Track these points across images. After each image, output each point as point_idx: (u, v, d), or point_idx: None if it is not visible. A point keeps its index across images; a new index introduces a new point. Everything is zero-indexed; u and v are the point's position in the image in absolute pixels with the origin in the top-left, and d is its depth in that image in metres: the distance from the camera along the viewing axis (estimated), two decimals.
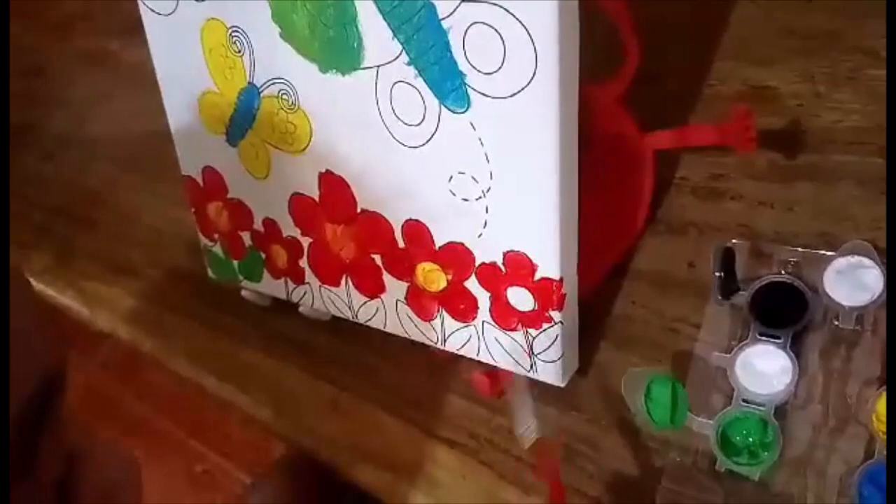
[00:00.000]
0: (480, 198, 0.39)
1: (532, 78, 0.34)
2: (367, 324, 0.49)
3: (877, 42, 0.46)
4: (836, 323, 0.38)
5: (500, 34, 0.33)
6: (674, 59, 0.51)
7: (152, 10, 0.47)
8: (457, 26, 0.35)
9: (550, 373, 0.42)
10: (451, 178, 0.39)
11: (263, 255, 0.52)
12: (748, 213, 0.45)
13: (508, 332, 0.42)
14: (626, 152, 0.46)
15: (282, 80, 0.43)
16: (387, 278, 0.45)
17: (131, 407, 1.29)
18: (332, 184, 0.44)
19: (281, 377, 0.55)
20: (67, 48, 0.91)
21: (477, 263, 0.41)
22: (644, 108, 0.46)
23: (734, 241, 0.42)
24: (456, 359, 0.46)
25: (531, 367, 0.42)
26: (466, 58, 0.35)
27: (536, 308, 0.40)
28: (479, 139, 0.37)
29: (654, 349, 0.44)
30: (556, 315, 0.39)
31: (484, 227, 0.40)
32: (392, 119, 0.39)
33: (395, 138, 0.40)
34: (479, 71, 0.35)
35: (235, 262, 0.54)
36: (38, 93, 0.91)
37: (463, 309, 0.43)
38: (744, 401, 0.39)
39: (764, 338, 0.39)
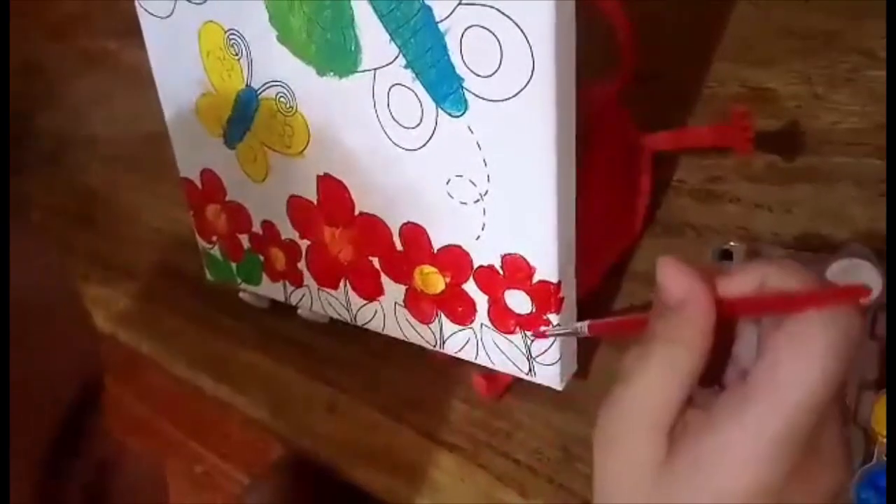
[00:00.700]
0: (478, 201, 0.39)
1: (529, 80, 0.34)
2: (366, 326, 0.49)
3: (875, 43, 0.46)
4: None
5: (496, 37, 0.33)
6: (671, 61, 0.51)
7: (150, 13, 0.47)
8: (454, 29, 0.34)
9: (549, 376, 0.42)
10: (449, 181, 0.39)
11: (262, 258, 0.52)
12: (746, 215, 0.45)
13: (506, 335, 0.42)
14: (623, 154, 0.46)
15: (279, 83, 0.43)
16: (385, 281, 0.45)
17: (130, 408, 1.29)
18: (330, 186, 0.44)
19: (279, 379, 0.55)
20: (66, 48, 0.91)
21: (475, 266, 0.41)
22: (642, 109, 0.46)
23: (732, 242, 0.42)
24: (454, 361, 0.46)
25: (529, 369, 0.42)
26: (463, 61, 0.35)
27: (534, 311, 0.40)
28: (477, 142, 0.37)
29: None
30: (554, 318, 0.39)
31: (482, 229, 0.40)
32: (389, 122, 0.39)
33: (392, 141, 0.40)
34: (476, 74, 0.35)
35: (234, 265, 0.54)
36: (37, 93, 0.91)
37: (461, 312, 0.43)
38: None
39: None
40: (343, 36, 0.38)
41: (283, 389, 0.55)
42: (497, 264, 0.40)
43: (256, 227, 0.51)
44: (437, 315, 0.44)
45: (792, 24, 0.50)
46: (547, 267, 0.38)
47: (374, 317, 0.48)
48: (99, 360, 0.26)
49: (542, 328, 0.40)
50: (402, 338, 0.47)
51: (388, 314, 0.47)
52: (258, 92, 0.45)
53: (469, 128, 0.37)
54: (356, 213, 0.44)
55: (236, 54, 0.44)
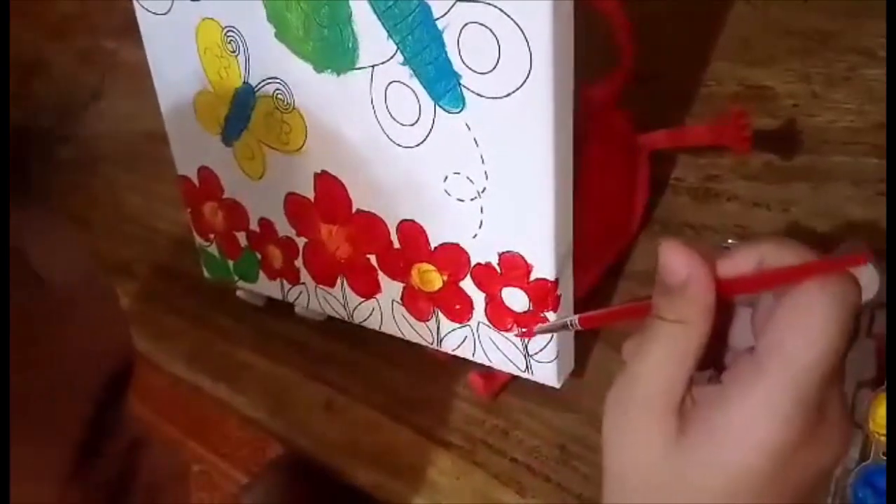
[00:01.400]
0: (475, 198, 0.39)
1: (527, 78, 0.34)
2: (363, 324, 0.49)
3: (872, 42, 0.46)
4: None
5: (494, 34, 0.33)
6: (669, 59, 0.51)
7: (147, 10, 0.47)
8: (451, 26, 0.34)
9: (546, 374, 0.42)
10: (447, 178, 0.39)
11: (259, 256, 0.52)
12: (744, 214, 0.45)
13: (504, 333, 0.42)
14: (621, 153, 0.46)
15: (277, 80, 0.43)
16: (382, 279, 0.45)
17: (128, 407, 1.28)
18: (328, 184, 0.44)
19: (276, 377, 0.55)
20: (64, 47, 0.91)
21: (472, 264, 0.41)
22: (640, 108, 0.46)
23: (730, 241, 0.42)
24: (452, 359, 0.46)
25: (526, 367, 0.42)
26: (461, 58, 0.35)
27: (532, 309, 0.40)
28: (474, 139, 0.37)
29: None
30: (551, 316, 0.39)
31: (479, 227, 0.39)
32: (387, 119, 0.39)
33: (390, 138, 0.40)
34: (473, 71, 0.35)
35: (231, 263, 0.54)
36: (35, 92, 0.90)
37: (458, 310, 0.43)
38: None
39: None
40: (340, 33, 0.38)
41: (281, 389, 0.55)
42: (494, 262, 0.40)
43: (254, 225, 0.51)
44: (434, 313, 0.44)
45: (790, 24, 0.50)
46: (544, 265, 0.38)
47: (371, 314, 0.48)
48: (131, 342, 0.27)
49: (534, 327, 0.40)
50: (400, 335, 0.47)
51: (385, 312, 0.47)
52: (256, 89, 0.45)
53: (467, 125, 0.37)
54: (353, 210, 0.44)
55: (234, 51, 0.44)
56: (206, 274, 0.57)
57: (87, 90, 0.85)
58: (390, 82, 0.38)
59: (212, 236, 0.54)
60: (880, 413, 0.35)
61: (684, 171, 0.48)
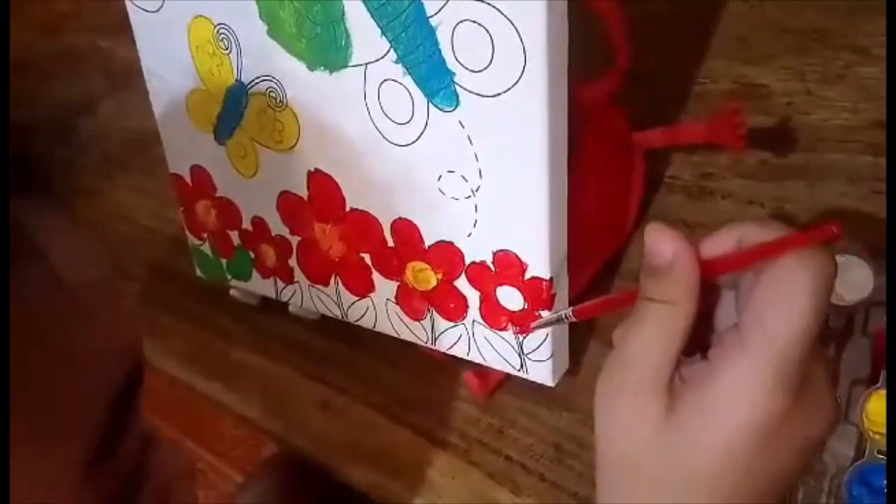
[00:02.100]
0: (470, 197, 0.38)
1: (521, 76, 0.33)
2: (357, 323, 0.48)
3: (867, 40, 0.46)
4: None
5: (488, 32, 0.33)
6: (664, 58, 0.51)
7: (139, 7, 0.47)
8: (445, 24, 0.34)
9: (541, 372, 0.42)
10: (441, 176, 0.39)
11: (252, 254, 0.52)
12: (739, 212, 0.45)
13: (498, 332, 0.42)
14: (616, 151, 0.46)
15: (269, 78, 0.43)
16: (376, 277, 0.45)
17: None
18: (321, 182, 0.44)
19: (271, 376, 0.55)
20: (57, 46, 0.91)
21: (467, 262, 0.41)
22: (634, 106, 0.46)
23: None
24: (446, 359, 0.46)
25: (521, 366, 0.42)
26: (455, 56, 0.35)
27: (526, 307, 0.40)
28: (468, 137, 0.37)
29: None
30: (545, 314, 0.39)
31: (473, 226, 0.39)
32: (380, 117, 0.39)
33: (383, 136, 0.40)
34: (467, 69, 0.35)
35: (224, 261, 0.54)
36: (27, 91, 0.90)
37: (453, 308, 0.43)
38: None
39: None
40: (333, 30, 0.38)
41: (274, 387, 0.54)
42: (489, 260, 0.40)
43: (247, 224, 0.50)
44: (428, 312, 0.44)
45: (785, 22, 0.50)
46: (539, 263, 0.38)
47: (365, 313, 0.47)
48: (141, 342, 0.27)
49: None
50: (394, 334, 0.47)
51: (379, 311, 0.47)
52: (248, 87, 0.44)
53: (461, 123, 0.36)
54: (347, 208, 0.44)
55: (226, 49, 0.44)
56: (199, 273, 0.57)
57: (80, 89, 0.85)
58: (383, 80, 0.38)
59: (205, 235, 0.54)
60: (875, 411, 0.35)
61: (679, 170, 0.48)
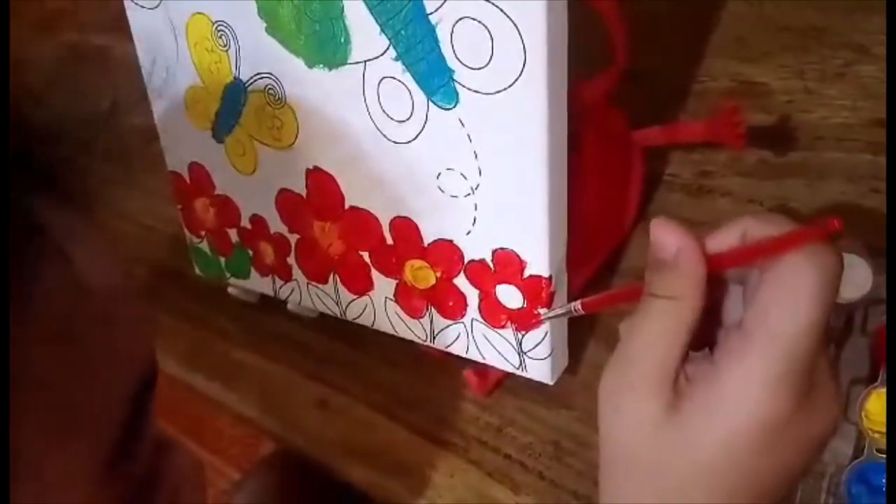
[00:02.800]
0: (469, 195, 0.38)
1: (520, 74, 0.33)
2: (356, 321, 0.48)
3: (866, 38, 0.46)
4: None
5: (488, 29, 0.33)
6: (663, 56, 0.51)
7: (136, 4, 0.47)
8: (445, 21, 0.34)
9: (540, 370, 0.42)
10: (440, 174, 0.39)
11: (251, 252, 0.51)
12: (738, 210, 0.45)
13: (497, 330, 0.42)
14: (615, 149, 0.46)
15: (268, 75, 0.43)
16: (375, 275, 0.45)
17: None
18: (320, 180, 0.44)
19: (269, 375, 0.55)
20: (54, 43, 0.90)
21: (466, 261, 0.41)
22: (634, 104, 0.46)
23: None
24: (445, 357, 0.46)
25: (520, 364, 0.42)
26: (454, 53, 0.35)
27: (525, 305, 0.40)
28: (468, 135, 0.37)
29: None
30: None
31: (473, 224, 0.39)
32: (380, 115, 0.39)
33: (382, 134, 0.40)
34: (467, 67, 0.35)
35: (222, 259, 0.54)
36: (23, 88, 0.90)
37: (452, 306, 0.43)
38: None
39: None
40: (332, 27, 0.38)
41: (272, 386, 0.54)
42: (488, 258, 0.40)
43: (245, 222, 0.50)
44: (427, 310, 0.44)
45: (784, 20, 0.50)
46: (538, 261, 0.38)
47: (363, 311, 0.47)
48: (154, 344, 0.27)
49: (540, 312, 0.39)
50: (393, 333, 0.47)
51: (378, 309, 0.46)
52: (247, 84, 0.44)
53: (460, 121, 0.36)
54: (346, 206, 0.44)
55: (224, 46, 0.44)
56: (197, 271, 0.57)
57: (77, 88, 0.84)
58: (383, 78, 0.38)
59: (203, 233, 0.54)
60: (874, 409, 0.35)
61: (678, 168, 0.48)
